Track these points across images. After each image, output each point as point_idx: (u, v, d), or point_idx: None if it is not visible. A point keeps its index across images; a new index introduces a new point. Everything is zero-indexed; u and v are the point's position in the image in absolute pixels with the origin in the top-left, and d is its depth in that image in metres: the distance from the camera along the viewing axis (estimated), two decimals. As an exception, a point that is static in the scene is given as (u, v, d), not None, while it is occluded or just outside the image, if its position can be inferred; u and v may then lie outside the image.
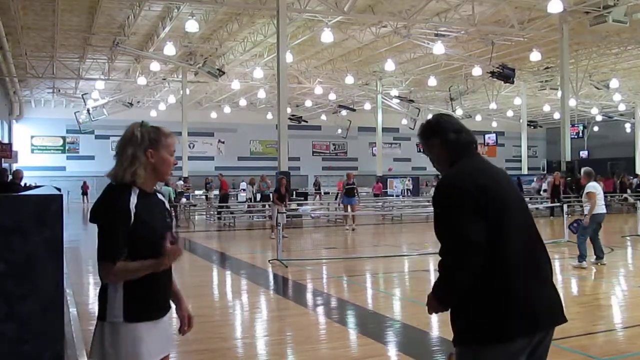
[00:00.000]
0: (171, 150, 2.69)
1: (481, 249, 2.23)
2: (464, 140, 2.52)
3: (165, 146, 2.65)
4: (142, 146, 2.59)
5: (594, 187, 10.21)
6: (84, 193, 38.51)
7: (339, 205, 19.21)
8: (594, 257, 10.36)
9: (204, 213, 24.11)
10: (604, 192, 11.02)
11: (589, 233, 10.15)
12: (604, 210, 10.38)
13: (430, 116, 2.76)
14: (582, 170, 10.77)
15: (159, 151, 2.63)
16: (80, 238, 17.57)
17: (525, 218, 2.43)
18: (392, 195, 33.65)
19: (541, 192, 26.95)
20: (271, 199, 16.77)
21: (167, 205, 2.80)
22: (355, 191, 19.00)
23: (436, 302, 2.38)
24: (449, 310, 2.38)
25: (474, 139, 2.56)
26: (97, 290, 2.61)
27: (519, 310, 2.23)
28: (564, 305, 2.44)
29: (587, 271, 9.89)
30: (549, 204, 20.62)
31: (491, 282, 2.25)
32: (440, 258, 2.35)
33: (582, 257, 10.09)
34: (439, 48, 24.74)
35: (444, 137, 2.52)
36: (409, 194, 33.20)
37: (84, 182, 39.02)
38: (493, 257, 2.25)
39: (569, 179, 24.01)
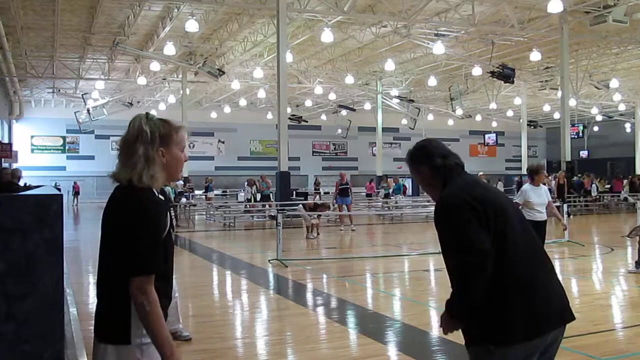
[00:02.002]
0: (182, 146, 2.37)
1: (489, 257, 2.29)
2: (452, 163, 2.57)
3: (177, 142, 2.33)
4: (153, 144, 2.25)
5: None
6: (76, 193, 36.00)
7: (333, 205, 19.30)
8: None
9: (204, 213, 24.12)
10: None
11: None
12: None
13: (417, 142, 2.76)
14: None
15: (170, 149, 2.31)
16: (80, 238, 17.57)
17: (523, 224, 2.51)
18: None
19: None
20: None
21: None
22: (349, 191, 19.19)
23: (453, 319, 2.41)
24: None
25: (461, 162, 2.61)
26: (97, 296, 2.30)
27: (530, 311, 2.31)
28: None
29: (587, 271, 9.88)
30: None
31: (501, 286, 2.31)
32: (450, 275, 2.40)
33: None
34: (439, 48, 24.73)
35: (432, 164, 2.56)
36: (410, 194, 33.14)
37: (75, 183, 36.79)
38: (501, 263, 2.32)
39: (572, 178, 23.99)
